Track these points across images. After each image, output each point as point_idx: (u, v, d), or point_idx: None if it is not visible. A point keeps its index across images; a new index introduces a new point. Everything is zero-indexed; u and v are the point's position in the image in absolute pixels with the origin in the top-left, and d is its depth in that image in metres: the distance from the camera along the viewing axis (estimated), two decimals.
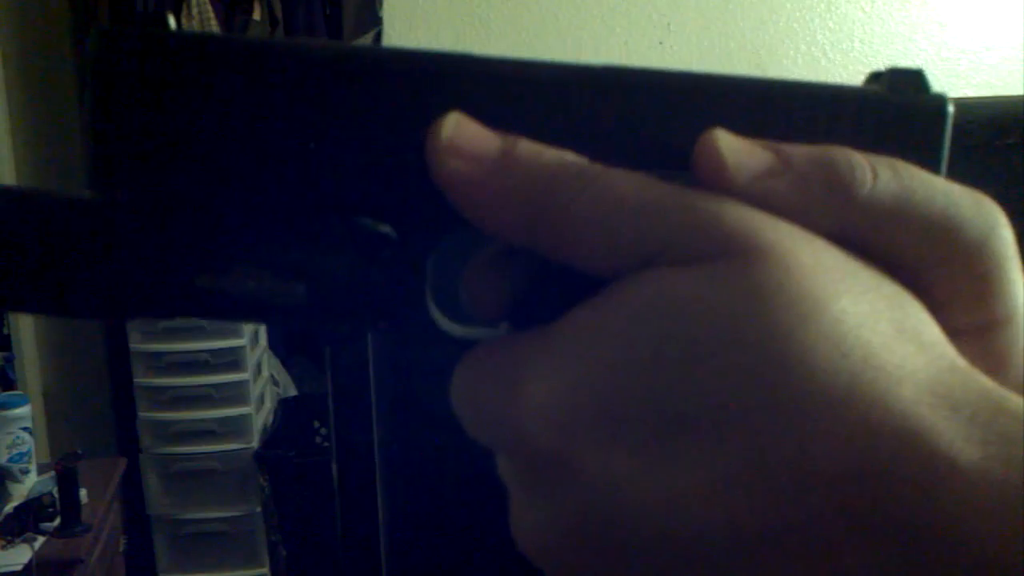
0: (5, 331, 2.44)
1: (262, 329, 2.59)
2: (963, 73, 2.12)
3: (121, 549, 2.15)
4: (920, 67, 0.20)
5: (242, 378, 2.34)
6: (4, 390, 2.31)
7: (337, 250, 0.20)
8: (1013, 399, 0.17)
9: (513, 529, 0.19)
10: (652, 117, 0.19)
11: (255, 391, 2.40)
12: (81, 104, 0.19)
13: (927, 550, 0.15)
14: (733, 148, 0.19)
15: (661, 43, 2.08)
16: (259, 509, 2.35)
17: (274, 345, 2.64)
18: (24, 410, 1.96)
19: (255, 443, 2.35)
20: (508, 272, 0.20)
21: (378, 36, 2.03)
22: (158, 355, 2.32)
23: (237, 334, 2.35)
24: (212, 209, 0.20)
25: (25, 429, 1.96)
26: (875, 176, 0.18)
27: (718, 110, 0.20)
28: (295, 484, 2.27)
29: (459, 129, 0.19)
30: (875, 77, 0.21)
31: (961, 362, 0.18)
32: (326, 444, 2.21)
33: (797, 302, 0.17)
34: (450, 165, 0.18)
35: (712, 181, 0.18)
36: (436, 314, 0.21)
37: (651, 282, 0.18)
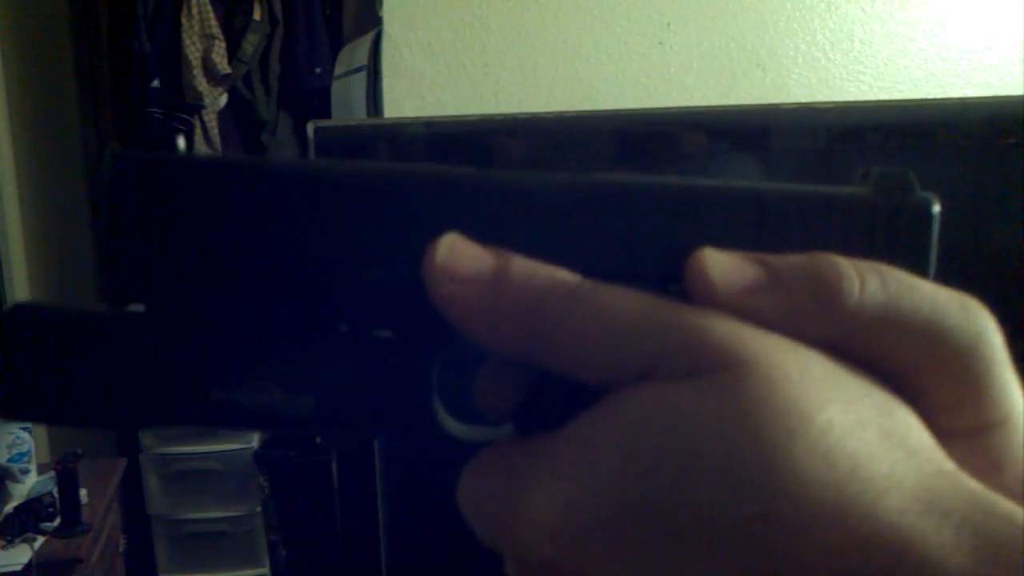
0: None
1: None
2: (963, 73, 2.12)
3: (121, 549, 2.15)
4: (906, 168, 0.21)
5: None
6: None
7: (343, 361, 0.20)
8: (1002, 502, 0.17)
9: None
10: (644, 228, 0.20)
11: None
12: (95, 223, 0.20)
13: None
14: (720, 266, 0.19)
15: (661, 43, 2.08)
16: (259, 509, 2.35)
17: None
18: None
19: (255, 443, 2.35)
20: (515, 375, 0.21)
21: (378, 36, 2.03)
22: None
23: None
24: (224, 325, 0.20)
25: (25, 429, 1.96)
26: (862, 285, 0.18)
27: (708, 219, 0.20)
28: (295, 484, 2.27)
29: (453, 251, 0.19)
30: (863, 176, 0.21)
31: (949, 466, 0.18)
32: (326, 444, 2.21)
33: (783, 415, 0.17)
34: (445, 288, 0.19)
35: (702, 299, 0.19)
36: (443, 418, 0.21)
37: (645, 397, 0.18)
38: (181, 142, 0.20)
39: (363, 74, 1.98)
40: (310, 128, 0.57)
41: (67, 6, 2.44)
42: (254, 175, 0.20)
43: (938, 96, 2.04)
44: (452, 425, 0.21)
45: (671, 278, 0.20)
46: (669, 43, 2.08)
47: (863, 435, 0.17)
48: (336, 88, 2.14)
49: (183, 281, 0.20)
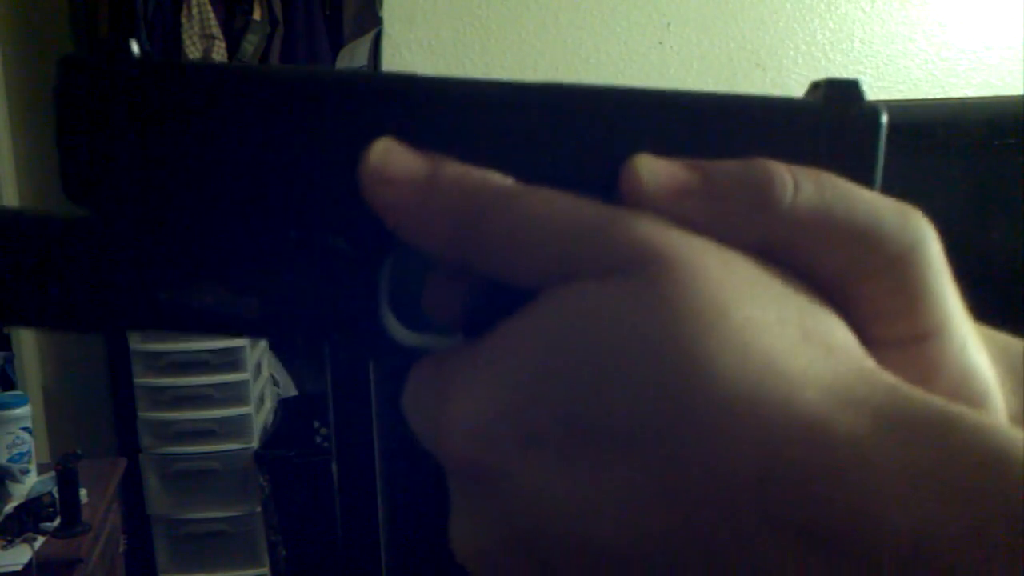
0: (5, 331, 2.44)
1: None
2: (963, 73, 2.12)
3: (121, 549, 2.15)
4: (856, 78, 0.20)
5: (242, 378, 2.34)
6: (4, 390, 2.31)
7: (289, 265, 0.21)
8: (919, 392, 0.17)
9: (449, 536, 0.20)
10: (583, 135, 0.20)
11: (255, 391, 2.40)
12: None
13: (843, 537, 0.16)
14: (653, 170, 0.19)
15: (661, 43, 2.08)
16: (259, 509, 2.35)
17: (274, 345, 2.64)
18: (24, 410, 1.96)
19: (255, 443, 2.35)
20: (461, 283, 0.21)
21: (378, 36, 2.03)
22: (158, 355, 2.32)
23: None
24: (172, 228, 0.21)
25: (25, 429, 1.96)
26: (796, 188, 0.18)
27: (648, 126, 0.20)
28: (295, 484, 2.27)
29: (387, 155, 0.20)
30: (814, 87, 0.21)
31: (870, 364, 0.18)
32: (326, 444, 2.21)
33: (702, 311, 0.17)
34: (379, 191, 0.20)
35: (633, 201, 0.19)
36: (391, 324, 0.21)
37: (566, 296, 0.18)
38: (134, 46, 0.20)
39: None
40: None
41: (67, 6, 2.44)
42: (202, 78, 0.20)
43: (938, 96, 2.04)
44: (399, 332, 0.21)
45: (609, 187, 0.20)
46: (669, 43, 2.08)
47: (782, 332, 0.17)
48: None
49: (132, 185, 0.20)
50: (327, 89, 0.20)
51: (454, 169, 0.20)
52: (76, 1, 2.42)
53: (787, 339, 0.17)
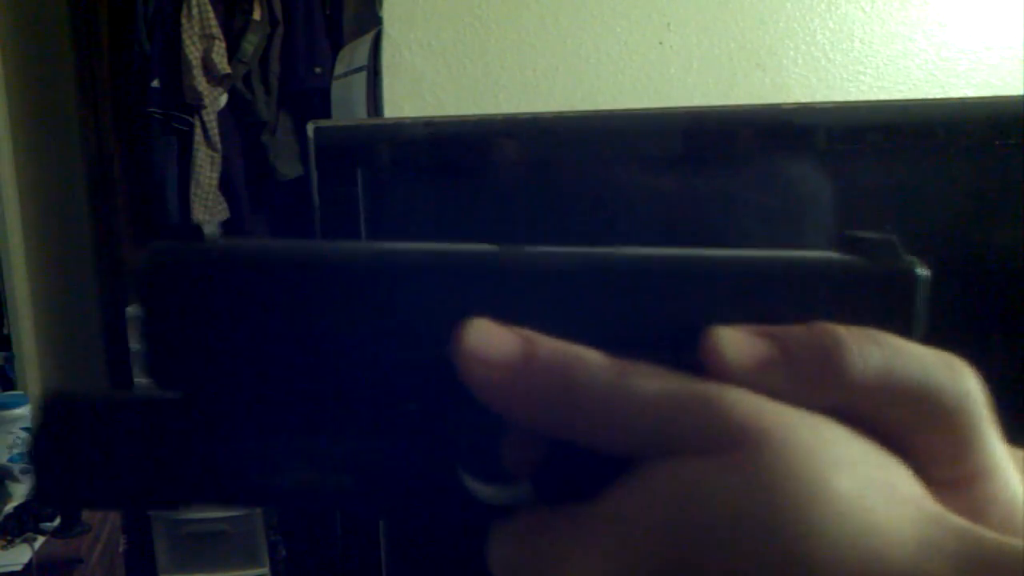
0: (5, 331, 2.44)
1: None
2: (963, 73, 2.12)
3: (121, 549, 2.15)
4: (892, 234, 0.22)
5: None
6: (4, 390, 2.31)
7: (373, 438, 0.21)
8: (984, 533, 0.19)
9: None
10: (655, 300, 0.22)
11: None
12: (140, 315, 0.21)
13: None
14: (732, 344, 0.21)
15: (661, 43, 2.08)
16: (259, 509, 2.35)
17: None
18: (24, 410, 1.96)
19: None
20: (538, 440, 0.22)
21: (378, 36, 2.03)
22: None
23: None
24: (260, 409, 0.21)
25: (25, 429, 1.96)
26: (862, 354, 0.20)
27: (714, 290, 0.22)
28: None
29: (481, 336, 0.21)
30: (849, 241, 0.23)
31: (937, 509, 0.20)
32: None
33: (801, 485, 0.19)
34: (476, 372, 0.21)
35: (718, 375, 0.21)
36: (470, 482, 0.22)
37: (675, 473, 0.20)
38: (209, 229, 0.21)
39: (363, 74, 1.98)
40: (310, 128, 0.57)
41: (67, 6, 2.44)
42: (280, 260, 0.21)
43: (938, 96, 2.04)
44: (477, 488, 0.22)
45: (685, 346, 0.21)
46: (669, 43, 2.08)
47: (871, 493, 0.19)
48: (336, 88, 2.14)
49: (219, 367, 0.21)
50: (408, 266, 0.21)
51: (547, 347, 0.21)
52: (76, 1, 2.42)
53: (875, 498, 0.19)
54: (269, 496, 0.21)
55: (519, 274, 0.21)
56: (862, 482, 0.19)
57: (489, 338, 0.21)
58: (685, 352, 0.21)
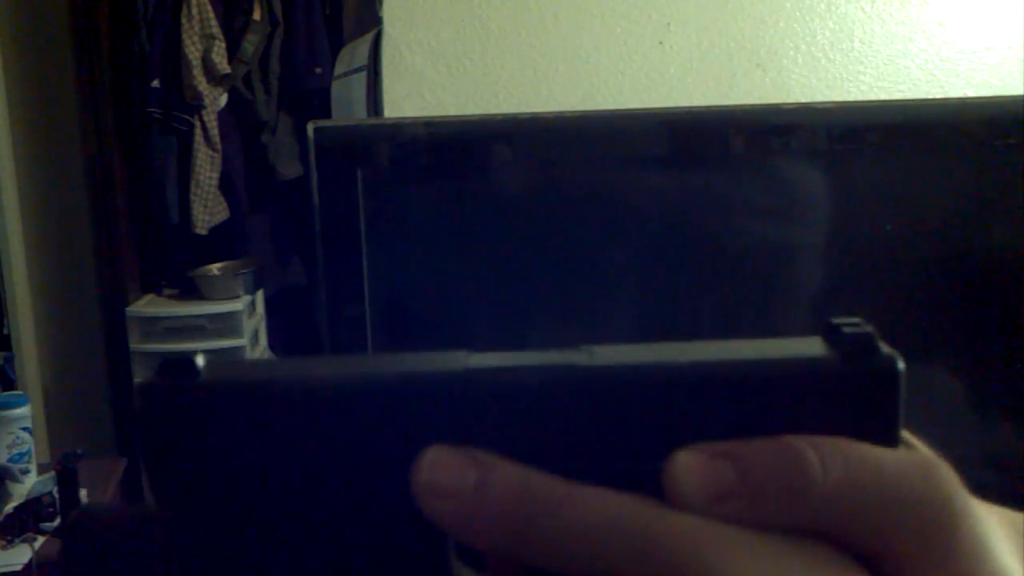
0: (5, 331, 2.44)
1: (262, 329, 2.59)
2: (963, 73, 2.12)
3: None
4: (870, 330, 0.22)
5: None
6: (4, 390, 2.31)
7: (366, 555, 0.23)
8: None
9: None
10: (621, 414, 0.22)
11: None
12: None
13: None
14: (691, 476, 0.21)
15: (661, 43, 2.08)
16: None
17: (274, 345, 2.64)
18: (24, 410, 1.96)
19: None
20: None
21: (378, 36, 2.03)
22: (158, 355, 2.32)
23: (237, 334, 2.35)
24: (248, 529, 0.23)
25: (25, 429, 1.96)
26: (825, 470, 0.20)
27: (681, 400, 0.22)
28: None
29: (435, 469, 0.21)
30: (826, 331, 0.22)
31: None
32: None
33: None
34: (430, 503, 0.21)
35: (678, 504, 0.21)
36: (458, 571, 0.23)
37: None
38: (200, 360, 0.22)
39: (363, 74, 1.98)
40: (310, 128, 0.57)
41: (67, 6, 2.44)
42: (261, 393, 0.22)
43: (938, 96, 2.04)
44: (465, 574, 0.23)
45: (646, 463, 0.21)
46: (669, 43, 2.08)
47: None
48: (336, 88, 2.14)
49: (209, 491, 0.22)
50: (375, 394, 0.22)
51: (501, 478, 0.21)
52: (76, 1, 2.42)
53: None
54: None
55: (478, 394, 0.22)
56: None
57: (443, 470, 0.21)
58: (646, 470, 0.21)
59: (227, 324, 2.36)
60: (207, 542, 0.23)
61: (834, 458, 0.20)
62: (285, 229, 2.61)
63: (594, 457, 0.21)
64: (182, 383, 0.22)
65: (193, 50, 2.38)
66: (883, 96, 2.04)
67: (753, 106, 0.63)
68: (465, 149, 0.59)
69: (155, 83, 2.41)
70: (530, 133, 0.60)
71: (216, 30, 2.41)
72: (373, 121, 1.19)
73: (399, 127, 0.58)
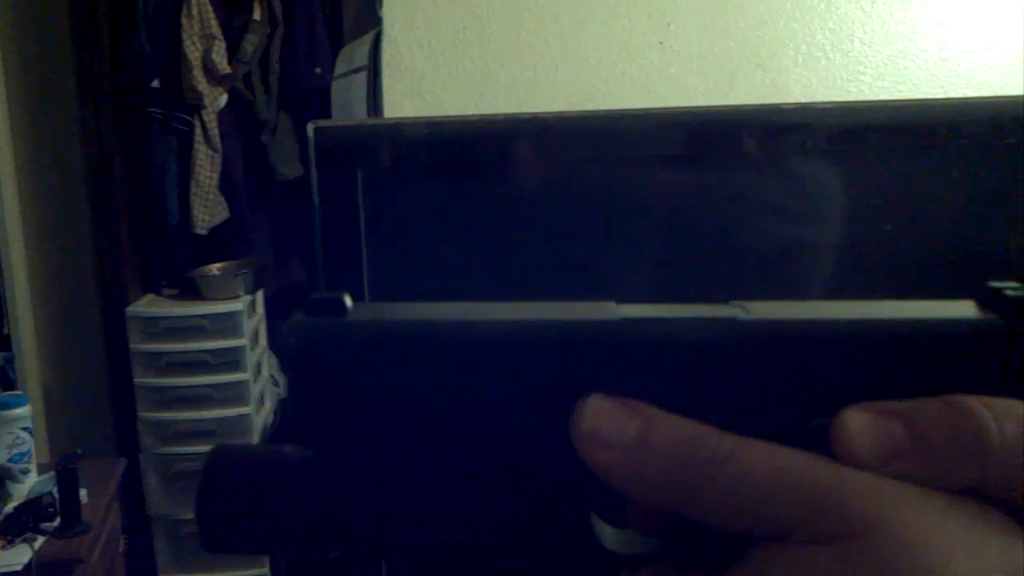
0: (5, 331, 2.44)
1: (262, 329, 2.59)
2: (963, 73, 2.12)
3: (121, 549, 2.15)
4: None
5: (242, 378, 2.34)
6: (4, 390, 2.31)
7: (510, 499, 0.22)
8: None
9: None
10: (780, 370, 0.21)
11: (255, 391, 2.40)
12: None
13: None
14: (863, 432, 0.20)
15: (661, 43, 2.08)
16: None
17: (274, 345, 2.64)
18: (24, 410, 1.96)
19: (255, 442, 2.35)
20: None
21: (378, 36, 2.03)
22: (158, 355, 2.32)
23: (237, 334, 2.35)
24: (396, 467, 0.22)
25: (25, 429, 1.96)
26: (1001, 431, 0.19)
27: (841, 357, 0.21)
28: None
29: (598, 417, 0.21)
30: (987, 296, 0.22)
31: None
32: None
33: (916, 574, 0.18)
34: (593, 453, 0.21)
35: (847, 461, 0.20)
36: (599, 528, 0.23)
37: (788, 559, 0.20)
38: (348, 300, 0.22)
39: (363, 74, 1.98)
40: (310, 128, 0.57)
41: (67, 6, 2.44)
42: (409, 336, 0.22)
43: (938, 96, 2.04)
44: (606, 534, 0.23)
45: (809, 419, 0.21)
46: (669, 43, 2.08)
47: None
48: (336, 88, 2.14)
49: (360, 431, 0.22)
50: (527, 339, 0.21)
51: (664, 426, 0.21)
52: (76, 1, 2.42)
53: None
54: (402, 549, 0.23)
55: (637, 343, 0.21)
56: (979, 568, 0.18)
57: (605, 418, 0.21)
58: (808, 425, 0.21)
59: (227, 324, 2.35)
60: (348, 481, 0.22)
61: (1009, 418, 0.20)
62: (285, 229, 2.60)
63: (752, 411, 0.21)
64: (334, 321, 0.22)
65: (193, 50, 2.38)
66: (883, 96, 2.04)
67: (753, 106, 0.63)
68: (465, 149, 0.59)
69: (155, 83, 2.41)
70: (530, 133, 0.60)
71: (216, 30, 2.40)
72: (373, 121, 1.19)
73: (399, 127, 0.58)
